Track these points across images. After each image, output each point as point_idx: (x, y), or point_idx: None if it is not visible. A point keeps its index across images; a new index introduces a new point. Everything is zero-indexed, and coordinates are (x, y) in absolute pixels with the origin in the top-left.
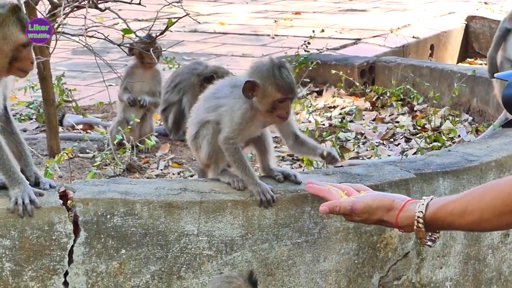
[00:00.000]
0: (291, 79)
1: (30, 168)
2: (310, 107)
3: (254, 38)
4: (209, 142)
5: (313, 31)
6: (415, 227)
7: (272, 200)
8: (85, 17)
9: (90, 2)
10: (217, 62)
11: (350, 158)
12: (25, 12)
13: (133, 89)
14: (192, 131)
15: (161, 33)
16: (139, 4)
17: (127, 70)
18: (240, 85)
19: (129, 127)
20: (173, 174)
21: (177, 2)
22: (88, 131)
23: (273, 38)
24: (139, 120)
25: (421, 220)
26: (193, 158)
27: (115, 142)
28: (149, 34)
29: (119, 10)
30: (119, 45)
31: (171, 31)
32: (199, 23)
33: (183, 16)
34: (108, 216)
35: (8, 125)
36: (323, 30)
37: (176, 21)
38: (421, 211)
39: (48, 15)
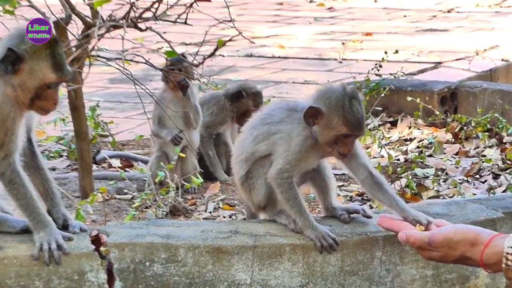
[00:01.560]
0: (361, 114)
1: (58, 208)
2: (382, 139)
3: (318, 63)
4: (266, 182)
5: (386, 53)
6: (503, 265)
7: (336, 243)
8: (123, 38)
9: (129, 21)
10: (276, 90)
11: (429, 198)
12: (60, 47)
13: (165, 117)
14: (242, 170)
15: (210, 56)
16: (185, 23)
17: (157, 99)
18: (299, 110)
19: (173, 162)
20: (224, 217)
21: (228, 21)
22: (127, 169)
23: (341, 62)
24: (184, 155)
25: (511, 257)
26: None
27: (156, 180)
28: (182, 54)
29: (164, 32)
30: (162, 70)
31: (223, 56)
32: (254, 43)
33: (235, 36)
34: (147, 263)
35: (34, 160)
36: (397, 51)
37: (228, 41)
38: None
39: (81, 36)
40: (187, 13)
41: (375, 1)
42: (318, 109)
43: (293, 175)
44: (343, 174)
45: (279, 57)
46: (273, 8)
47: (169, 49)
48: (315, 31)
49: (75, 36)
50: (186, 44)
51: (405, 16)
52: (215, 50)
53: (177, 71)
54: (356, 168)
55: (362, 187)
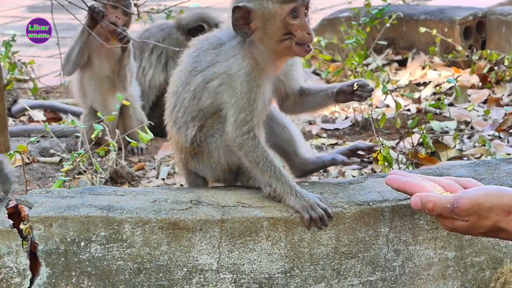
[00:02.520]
0: None
1: None
2: (388, 83)
3: None
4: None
5: None
6: None
7: (328, 215)
8: None
9: None
10: None
11: (450, 159)
12: None
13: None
14: (189, 131)
15: None
16: None
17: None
18: (226, 39)
19: (114, 113)
20: (181, 185)
21: None
22: (53, 123)
23: None
24: (127, 103)
25: None
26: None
27: (92, 136)
28: None
29: None
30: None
31: None
32: None
33: None
34: (82, 244)
35: None
36: None
37: None
38: None
39: None
40: None
41: None
42: (244, 7)
43: (255, 127)
44: (336, 129)
45: None
46: None
47: None
48: None
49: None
50: None
51: None
52: None
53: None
54: (290, 93)
55: (288, 112)
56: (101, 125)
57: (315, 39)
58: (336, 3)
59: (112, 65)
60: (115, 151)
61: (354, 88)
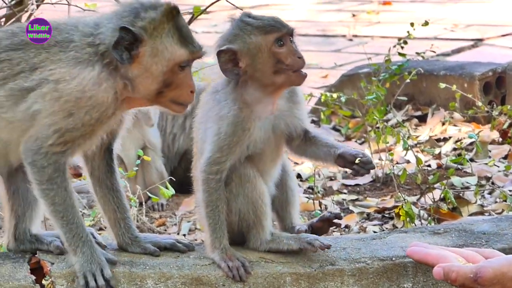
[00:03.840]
0: (269, 16)
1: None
2: (408, 139)
3: (322, 41)
4: (246, 195)
5: (413, 25)
6: None
7: (244, 269)
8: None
9: None
10: None
11: (471, 214)
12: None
13: None
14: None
15: None
16: None
17: None
18: (220, 87)
19: (135, 168)
20: (202, 241)
21: None
22: (74, 178)
23: (351, 40)
24: (148, 158)
25: None
26: None
27: None
28: None
29: None
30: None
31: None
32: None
33: (215, 1)
34: None
35: (110, 177)
36: (426, 23)
37: (206, 8)
38: None
39: (12, 2)
40: None
41: None
42: (229, 49)
43: (224, 170)
44: (356, 185)
45: None
46: None
47: None
48: (317, 0)
49: (5, 3)
50: None
51: None
52: (191, 20)
53: None
54: (296, 135)
55: (293, 153)
56: (122, 180)
57: (334, 95)
58: (355, 59)
59: None
60: (136, 207)
61: (356, 161)
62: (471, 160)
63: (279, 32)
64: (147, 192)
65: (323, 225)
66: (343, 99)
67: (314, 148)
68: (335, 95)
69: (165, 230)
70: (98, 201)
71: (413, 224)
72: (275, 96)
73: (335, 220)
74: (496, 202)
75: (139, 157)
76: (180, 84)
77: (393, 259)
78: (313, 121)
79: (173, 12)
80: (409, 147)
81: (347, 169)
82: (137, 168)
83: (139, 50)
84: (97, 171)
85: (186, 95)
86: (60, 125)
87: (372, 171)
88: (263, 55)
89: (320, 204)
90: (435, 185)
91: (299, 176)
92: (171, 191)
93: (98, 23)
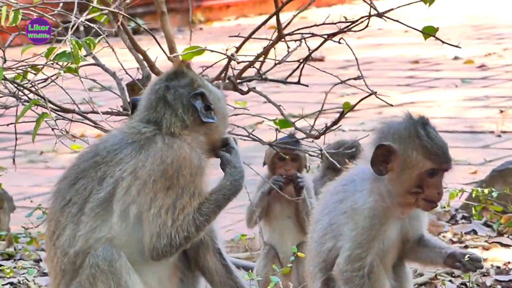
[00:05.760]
0: (443, 142)
1: None
2: None
3: (470, 137)
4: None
5: None
6: None
7: None
8: None
9: (226, 80)
10: None
11: None
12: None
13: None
14: (315, 284)
15: (333, 124)
16: (298, 83)
17: (259, 185)
18: (358, 176)
19: (289, 265)
20: None
21: (354, 79)
22: None
23: (499, 136)
24: (302, 255)
25: None
26: None
27: None
28: (292, 133)
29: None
30: (270, 144)
31: (344, 131)
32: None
33: (367, 96)
34: None
35: (230, 276)
36: None
37: (358, 103)
38: None
39: None
40: (301, 70)
41: None
42: (389, 147)
43: (367, 265)
44: (510, 280)
45: None
46: (406, 68)
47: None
48: (463, 96)
49: None
50: (295, 117)
51: None
52: (341, 116)
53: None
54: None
55: (406, 257)
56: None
57: (485, 190)
58: (504, 155)
59: (293, 207)
60: None
61: (465, 258)
62: None
63: (439, 165)
64: None
65: None
66: (494, 194)
67: (427, 250)
68: (486, 191)
69: None
70: None
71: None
72: (406, 208)
73: None
74: None
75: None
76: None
77: None
78: (463, 217)
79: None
80: None
81: (455, 269)
82: (291, 265)
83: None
84: (215, 276)
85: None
86: (164, 201)
87: None
88: (412, 173)
89: None
90: None
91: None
92: None
93: None
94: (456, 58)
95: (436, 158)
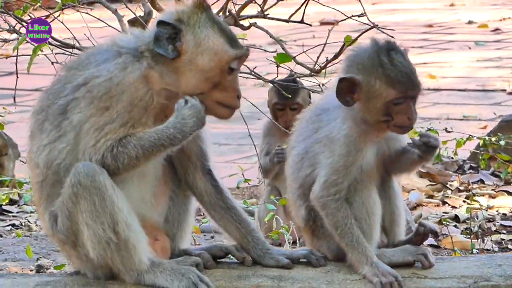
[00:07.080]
0: (408, 67)
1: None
2: None
3: (481, 95)
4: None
5: None
6: None
7: (398, 283)
8: None
9: (226, 13)
10: (425, 129)
11: None
12: None
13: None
14: (301, 210)
15: (335, 57)
16: (302, 22)
17: (264, 130)
18: (331, 104)
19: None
20: None
21: (359, 16)
22: None
23: (511, 94)
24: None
25: None
26: None
27: (266, 220)
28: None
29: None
30: (271, 82)
31: None
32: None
33: (368, 30)
34: None
35: (220, 197)
36: None
37: (359, 36)
38: None
39: None
40: (305, 8)
41: None
42: (351, 79)
43: (344, 189)
44: None
45: (428, 89)
46: (420, 31)
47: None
48: (476, 57)
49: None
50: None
51: None
52: (341, 49)
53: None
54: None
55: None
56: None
57: (493, 138)
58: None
59: None
60: (289, 245)
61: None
62: None
63: (404, 93)
64: None
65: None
66: (502, 142)
67: (404, 154)
68: (493, 139)
69: None
70: (219, 225)
71: None
72: (379, 132)
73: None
74: None
75: None
76: (227, 87)
77: None
78: (471, 167)
79: (203, 5)
80: None
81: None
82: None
83: (182, 41)
84: (205, 196)
85: (232, 98)
86: (99, 123)
87: None
88: (377, 104)
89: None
90: None
91: (456, 217)
92: None
93: (138, 36)
94: (470, 22)
95: (400, 86)
